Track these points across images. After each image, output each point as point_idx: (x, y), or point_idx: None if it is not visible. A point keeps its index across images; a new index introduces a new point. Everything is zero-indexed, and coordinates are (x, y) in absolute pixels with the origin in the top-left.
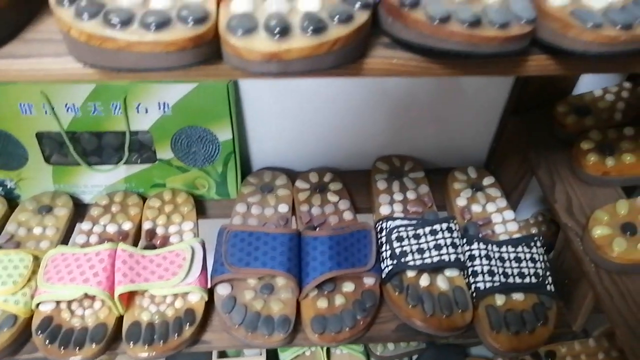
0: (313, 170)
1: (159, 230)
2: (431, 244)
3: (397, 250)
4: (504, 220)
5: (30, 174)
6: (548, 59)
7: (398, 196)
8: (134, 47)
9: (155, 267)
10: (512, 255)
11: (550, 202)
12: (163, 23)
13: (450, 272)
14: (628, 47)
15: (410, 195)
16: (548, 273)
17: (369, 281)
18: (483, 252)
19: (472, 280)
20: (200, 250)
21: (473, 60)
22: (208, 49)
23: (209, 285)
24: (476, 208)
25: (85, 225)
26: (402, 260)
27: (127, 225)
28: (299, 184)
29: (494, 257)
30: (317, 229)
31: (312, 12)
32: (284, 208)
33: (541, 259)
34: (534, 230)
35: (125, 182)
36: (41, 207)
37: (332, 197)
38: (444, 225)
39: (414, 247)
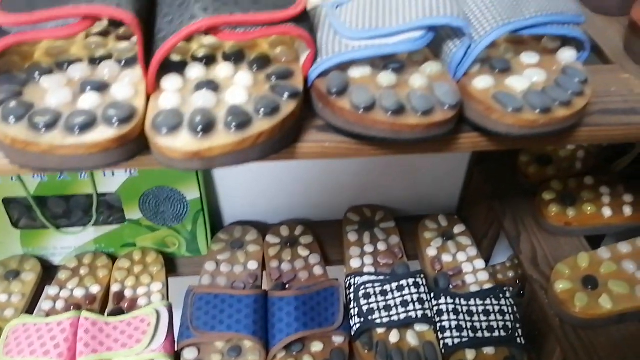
0: (284, 224)
1: (127, 293)
2: (398, 300)
3: (365, 308)
4: (475, 270)
5: None
6: (478, 137)
7: (369, 248)
8: (56, 150)
9: (119, 335)
10: (481, 309)
11: (516, 253)
12: (87, 125)
13: (420, 327)
14: (548, 129)
15: (381, 246)
16: (518, 325)
17: (338, 340)
18: (451, 307)
19: (440, 336)
20: (166, 315)
21: None
22: (134, 146)
23: (176, 349)
24: (447, 258)
25: (52, 290)
26: (370, 317)
27: (95, 289)
28: (270, 238)
29: (462, 311)
30: (287, 285)
31: (237, 106)
32: (253, 265)
33: (510, 311)
34: (510, 274)
35: (95, 243)
36: (8, 273)
37: (302, 252)
38: (411, 281)
39: (381, 304)
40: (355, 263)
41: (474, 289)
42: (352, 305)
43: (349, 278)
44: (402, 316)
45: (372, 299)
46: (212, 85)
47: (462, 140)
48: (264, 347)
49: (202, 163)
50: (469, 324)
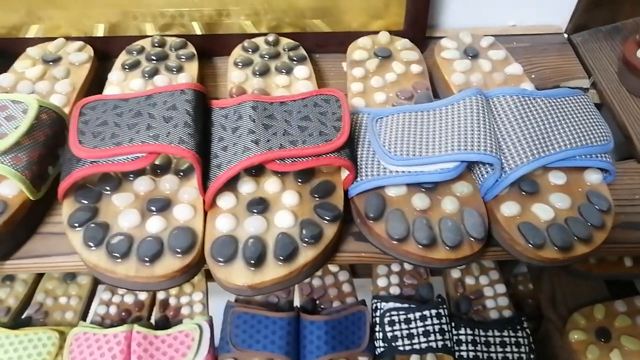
0: None
1: (172, 301)
2: (420, 330)
3: (389, 334)
4: (496, 294)
5: None
6: (503, 252)
7: (395, 267)
8: (131, 279)
9: (167, 348)
10: (498, 340)
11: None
12: (156, 255)
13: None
14: (566, 262)
15: (407, 265)
16: (532, 356)
17: (363, 359)
18: (470, 338)
19: None
20: (208, 330)
21: None
22: (196, 269)
23: None
24: (469, 280)
25: (105, 295)
26: (393, 344)
27: (143, 296)
28: None
29: (479, 342)
30: (317, 301)
31: (285, 233)
32: None
33: (526, 342)
34: (531, 285)
35: None
36: (65, 275)
37: (332, 267)
38: (433, 312)
39: (404, 332)
40: (381, 282)
41: (493, 314)
42: (377, 329)
43: (376, 302)
44: (424, 345)
45: (396, 327)
46: (262, 205)
47: (490, 252)
48: None
49: (254, 292)
50: (485, 355)
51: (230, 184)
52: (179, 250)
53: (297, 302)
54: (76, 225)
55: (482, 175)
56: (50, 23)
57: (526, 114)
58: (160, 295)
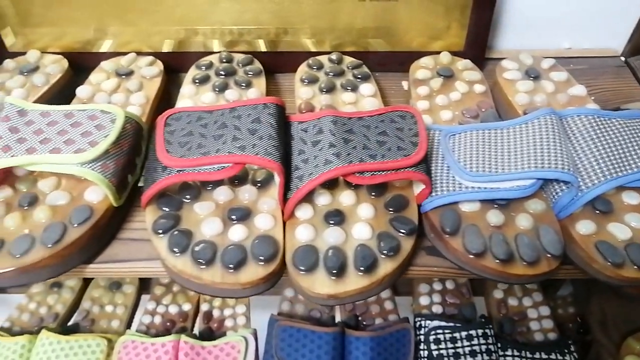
0: None
1: (215, 313)
2: (467, 349)
3: (435, 353)
4: (540, 316)
5: None
6: (578, 271)
7: (437, 285)
8: (216, 285)
9: (213, 359)
10: None
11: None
12: (240, 263)
13: None
14: None
15: (449, 285)
16: None
17: None
18: None
19: None
20: (253, 342)
21: None
22: (278, 277)
23: None
24: (512, 301)
25: (149, 305)
26: None
27: (187, 307)
28: None
29: None
30: (360, 317)
31: (364, 244)
32: None
33: None
34: (571, 310)
35: None
36: (112, 284)
37: None
38: (480, 332)
39: (450, 351)
40: (424, 300)
41: (538, 336)
42: (422, 347)
43: (419, 320)
44: None
45: (442, 345)
46: (339, 217)
47: (563, 271)
48: None
49: (335, 301)
50: None
51: (308, 196)
52: (262, 258)
53: (338, 318)
54: (160, 231)
55: (555, 193)
56: (121, 38)
57: (602, 134)
58: (204, 307)
